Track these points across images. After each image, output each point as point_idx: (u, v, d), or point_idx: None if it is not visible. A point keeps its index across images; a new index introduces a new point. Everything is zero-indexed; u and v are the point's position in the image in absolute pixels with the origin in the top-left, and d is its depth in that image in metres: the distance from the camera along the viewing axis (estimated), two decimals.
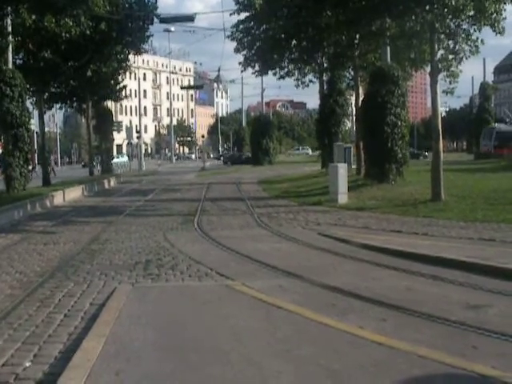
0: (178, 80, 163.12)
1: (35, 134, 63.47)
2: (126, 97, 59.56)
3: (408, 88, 33.07)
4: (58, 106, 55.87)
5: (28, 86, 36.47)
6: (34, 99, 45.94)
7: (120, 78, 55.03)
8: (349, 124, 50.78)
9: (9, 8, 32.06)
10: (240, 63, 51.89)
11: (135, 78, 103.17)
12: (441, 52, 23.83)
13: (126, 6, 44.98)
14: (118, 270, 12.94)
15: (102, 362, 6.86)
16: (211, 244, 16.20)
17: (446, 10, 22.05)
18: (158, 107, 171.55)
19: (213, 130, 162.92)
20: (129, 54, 51.44)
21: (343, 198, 25.15)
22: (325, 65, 47.53)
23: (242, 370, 6.52)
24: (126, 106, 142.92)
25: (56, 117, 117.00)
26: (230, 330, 8.13)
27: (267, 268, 12.43)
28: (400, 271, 11.63)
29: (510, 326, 7.80)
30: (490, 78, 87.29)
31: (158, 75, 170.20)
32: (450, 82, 24.60)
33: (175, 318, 8.89)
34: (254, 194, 33.36)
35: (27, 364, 7.17)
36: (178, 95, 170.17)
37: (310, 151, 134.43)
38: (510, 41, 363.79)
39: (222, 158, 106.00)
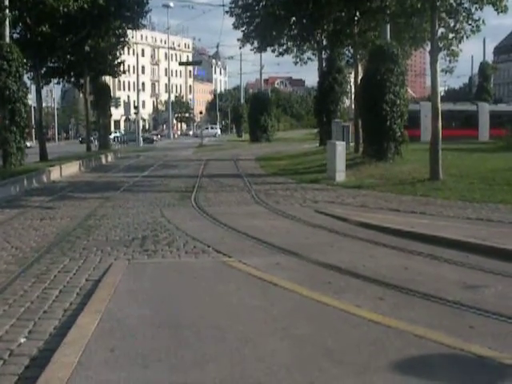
0: (176, 56, 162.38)
1: (32, 109, 63.28)
2: (123, 72, 59.30)
3: (407, 67, 32.88)
4: (55, 81, 55.68)
5: (25, 61, 36.22)
6: (32, 74, 45.72)
7: (118, 53, 54.82)
8: (347, 102, 50.51)
9: None
10: (239, 40, 51.79)
11: (133, 54, 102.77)
12: (441, 30, 23.72)
13: None
14: (115, 245, 12.91)
15: (97, 338, 6.83)
16: (208, 220, 16.17)
17: None
18: (156, 83, 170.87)
19: (211, 106, 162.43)
20: (127, 29, 51.21)
21: (341, 175, 25.12)
22: (324, 42, 47.36)
23: (238, 348, 6.48)
24: (124, 82, 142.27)
25: (54, 92, 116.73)
26: (226, 307, 8.09)
27: (264, 245, 12.40)
28: (397, 250, 11.61)
29: (506, 306, 7.77)
30: (489, 58, 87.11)
31: (156, 51, 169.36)
32: (450, 61, 24.53)
33: (171, 295, 8.86)
34: (252, 170, 33.36)
35: (22, 340, 7.13)
36: (176, 71, 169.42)
37: (218, 131, 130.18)
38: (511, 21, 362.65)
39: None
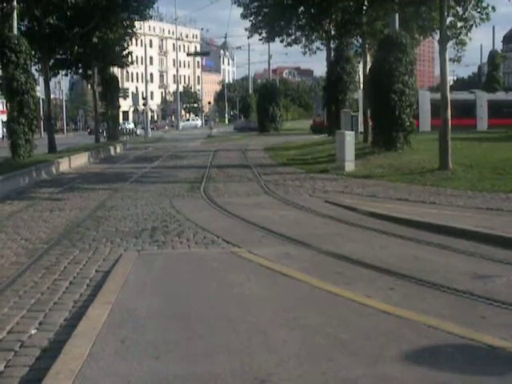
0: (184, 47, 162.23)
1: (41, 101, 63.32)
2: (131, 63, 59.33)
3: (416, 56, 32.74)
4: (63, 72, 55.62)
5: (33, 53, 36.35)
6: (40, 66, 45.80)
7: (126, 44, 54.79)
8: (357, 92, 50.28)
9: None
10: (247, 30, 51.66)
11: (141, 45, 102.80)
12: (450, 19, 23.61)
13: None
14: (124, 236, 12.94)
15: (108, 329, 6.83)
16: (218, 211, 16.17)
17: None
18: (165, 74, 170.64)
19: (219, 96, 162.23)
20: (135, 20, 51.17)
21: (350, 165, 25.07)
22: (332, 32, 47.17)
23: (248, 339, 6.47)
24: (132, 73, 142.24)
25: (62, 83, 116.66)
26: (236, 297, 8.08)
27: (274, 235, 12.40)
28: (407, 240, 11.58)
29: None
30: (498, 47, 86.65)
31: (164, 42, 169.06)
32: (458, 50, 24.44)
33: (181, 286, 8.85)
34: (261, 161, 33.35)
35: (33, 331, 7.15)
36: (184, 62, 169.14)
37: (199, 123, 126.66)
38: None
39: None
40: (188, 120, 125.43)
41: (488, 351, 6.05)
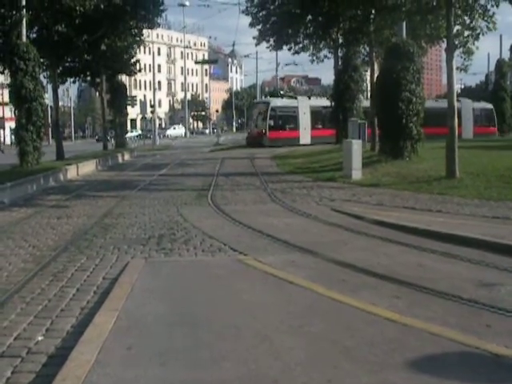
0: (192, 55, 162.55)
1: (49, 109, 63.47)
2: (139, 71, 59.45)
3: (423, 65, 32.74)
4: (71, 80, 55.77)
5: (42, 60, 36.46)
6: (48, 73, 45.98)
7: (134, 52, 54.91)
8: (363, 100, 50.24)
9: None
10: (254, 38, 51.72)
11: (150, 53, 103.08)
12: (457, 27, 23.64)
13: None
14: (131, 244, 12.97)
15: (114, 336, 6.87)
16: (224, 219, 16.19)
17: None
18: (173, 82, 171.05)
19: (227, 104, 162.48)
20: (143, 28, 51.31)
21: (357, 174, 25.07)
22: (340, 40, 47.24)
23: (254, 346, 6.50)
24: (140, 81, 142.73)
25: (70, 91, 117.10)
26: (243, 305, 8.12)
27: (280, 243, 12.42)
28: (413, 248, 11.60)
29: None
30: (506, 56, 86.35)
31: (172, 50, 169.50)
32: (465, 59, 24.45)
33: (188, 293, 8.89)
34: (268, 169, 33.33)
35: (39, 338, 7.19)
36: (192, 70, 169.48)
37: (182, 132, 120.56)
38: None
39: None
40: (174, 128, 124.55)
41: (492, 359, 6.07)
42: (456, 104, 23.04)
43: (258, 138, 57.21)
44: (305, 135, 58.80)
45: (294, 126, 59.17)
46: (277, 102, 59.48)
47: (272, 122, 57.20)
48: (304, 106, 60.09)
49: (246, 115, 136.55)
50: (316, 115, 60.14)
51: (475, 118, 65.39)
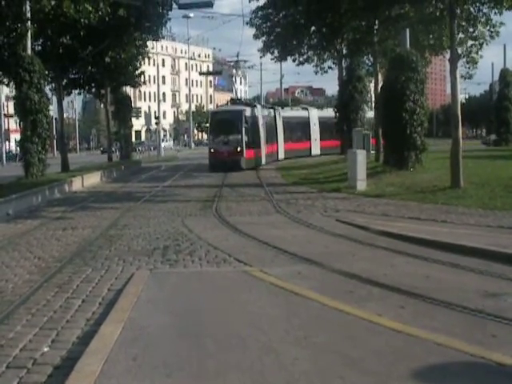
0: (196, 66, 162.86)
1: (54, 120, 63.60)
2: (144, 83, 59.50)
3: (427, 75, 32.78)
4: (76, 92, 55.91)
5: (47, 72, 36.52)
6: (53, 85, 46.04)
7: (138, 63, 54.99)
8: (368, 111, 50.12)
9: None
10: (259, 50, 51.88)
11: (154, 64, 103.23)
12: (460, 36, 23.69)
13: None
14: (136, 255, 12.99)
15: (120, 347, 6.88)
16: (229, 230, 16.20)
17: None
18: (177, 93, 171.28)
19: None
20: (147, 40, 51.44)
21: (362, 184, 25.06)
22: (344, 51, 47.33)
23: (259, 357, 6.50)
24: (144, 92, 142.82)
25: (75, 103, 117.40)
26: (248, 316, 8.12)
27: (285, 254, 12.42)
28: (418, 258, 11.58)
29: None
30: (510, 65, 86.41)
31: (176, 61, 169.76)
32: (469, 68, 24.50)
33: (193, 304, 8.89)
34: (273, 180, 33.38)
35: (45, 349, 7.21)
36: (196, 81, 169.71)
37: (171, 143, 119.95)
38: None
39: None
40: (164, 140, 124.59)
41: (498, 369, 6.06)
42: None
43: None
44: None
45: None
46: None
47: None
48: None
49: None
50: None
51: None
